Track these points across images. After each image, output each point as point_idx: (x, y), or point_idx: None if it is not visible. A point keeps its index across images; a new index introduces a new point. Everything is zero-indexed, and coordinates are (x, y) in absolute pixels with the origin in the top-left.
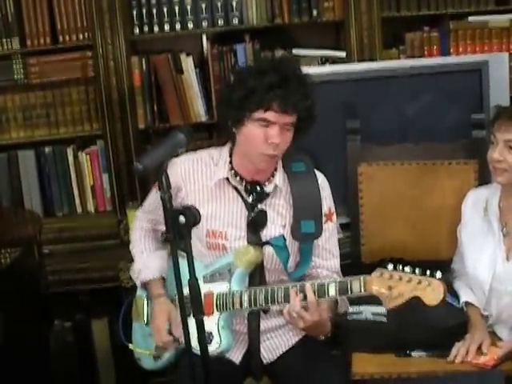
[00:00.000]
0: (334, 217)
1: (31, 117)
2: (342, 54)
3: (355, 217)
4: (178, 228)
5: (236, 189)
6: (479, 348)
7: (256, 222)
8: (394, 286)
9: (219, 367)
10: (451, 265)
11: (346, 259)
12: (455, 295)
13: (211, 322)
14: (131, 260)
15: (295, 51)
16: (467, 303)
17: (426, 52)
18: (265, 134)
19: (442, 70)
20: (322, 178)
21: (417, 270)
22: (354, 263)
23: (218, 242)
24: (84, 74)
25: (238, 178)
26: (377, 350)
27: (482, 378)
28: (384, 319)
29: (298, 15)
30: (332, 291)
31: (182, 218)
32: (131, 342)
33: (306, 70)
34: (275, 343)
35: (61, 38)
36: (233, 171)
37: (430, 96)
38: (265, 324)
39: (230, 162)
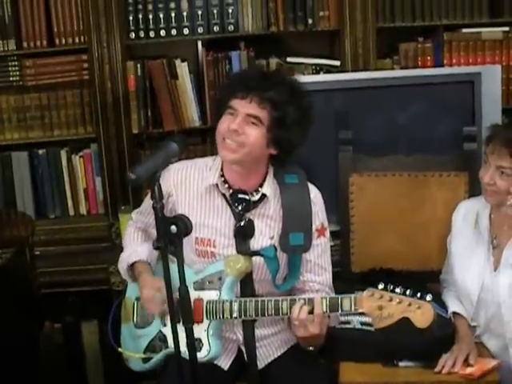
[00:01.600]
0: (327, 232)
1: (25, 118)
2: (337, 63)
3: (345, 226)
4: (170, 237)
5: (224, 197)
6: (466, 359)
7: (243, 232)
8: (384, 307)
9: (207, 373)
10: (440, 275)
11: (335, 267)
12: (443, 306)
13: (201, 329)
14: None
15: (290, 59)
16: (455, 314)
17: (419, 62)
18: (229, 122)
19: (435, 81)
20: (314, 192)
21: (407, 292)
22: (343, 272)
23: (207, 249)
24: (79, 77)
25: (226, 185)
26: (364, 360)
27: None
28: (372, 329)
29: (294, 24)
30: (322, 307)
31: (173, 228)
32: (120, 344)
33: (300, 78)
34: (264, 352)
35: (57, 41)
36: (222, 178)
37: (423, 107)
38: (255, 332)
39: (222, 170)
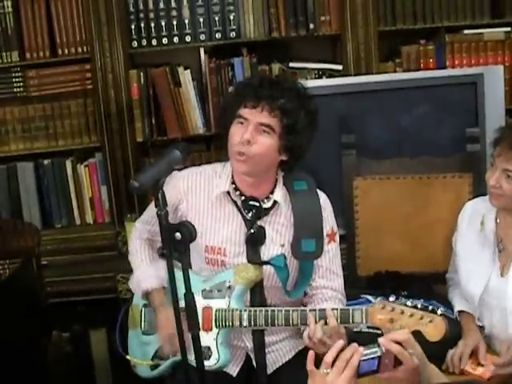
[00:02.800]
0: (337, 237)
1: (30, 129)
2: (339, 68)
3: (351, 230)
4: (174, 244)
5: (236, 204)
6: (475, 355)
7: (254, 239)
8: (395, 320)
9: (216, 380)
10: (446, 274)
11: None
12: (449, 305)
13: (210, 338)
14: (129, 271)
15: (292, 64)
16: (461, 312)
17: (422, 65)
18: (240, 132)
19: (438, 83)
20: (324, 198)
21: (419, 305)
22: (349, 276)
23: (217, 258)
24: (82, 86)
25: (237, 192)
26: None
27: None
28: (380, 331)
29: (295, 29)
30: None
31: (178, 235)
32: (128, 350)
33: (303, 83)
34: (273, 357)
35: (60, 51)
36: (234, 185)
37: (426, 109)
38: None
39: (232, 177)
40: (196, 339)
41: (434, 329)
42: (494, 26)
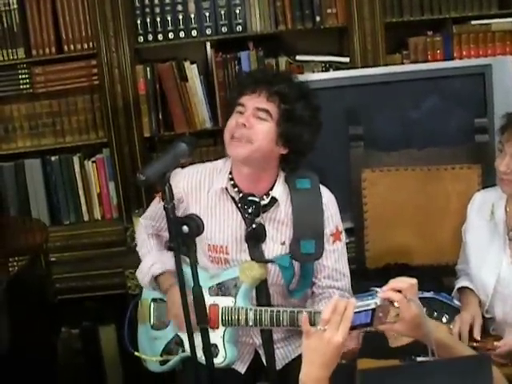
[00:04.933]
0: (343, 235)
1: (37, 126)
2: (346, 60)
3: (359, 222)
4: (182, 238)
5: (234, 201)
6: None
7: (254, 236)
8: None
9: (224, 377)
10: (456, 266)
11: (350, 264)
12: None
13: (217, 336)
14: (138, 266)
15: (299, 57)
16: (461, 289)
17: (429, 56)
18: (237, 118)
19: (446, 75)
20: (327, 196)
21: (424, 310)
22: (358, 269)
23: (220, 256)
24: (89, 82)
25: (235, 189)
26: (381, 357)
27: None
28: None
29: (301, 22)
30: None
31: (185, 228)
32: (137, 346)
33: (310, 76)
34: (282, 353)
35: (66, 48)
36: (232, 182)
37: (434, 100)
38: (273, 336)
39: (231, 173)
40: (205, 332)
41: None
42: (502, 16)
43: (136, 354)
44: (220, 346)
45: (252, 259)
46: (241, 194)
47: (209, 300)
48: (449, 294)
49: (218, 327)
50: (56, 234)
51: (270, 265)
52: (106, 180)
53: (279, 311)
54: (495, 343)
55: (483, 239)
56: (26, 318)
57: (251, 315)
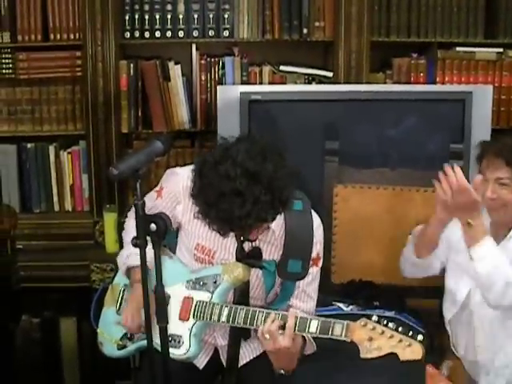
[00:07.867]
0: (320, 262)
1: (16, 112)
2: (329, 74)
3: (327, 236)
4: (150, 235)
5: None
6: None
7: (248, 257)
8: (374, 338)
9: (181, 370)
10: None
11: None
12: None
13: (184, 327)
14: (104, 261)
15: (282, 67)
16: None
17: (412, 78)
18: None
19: (427, 98)
20: (318, 222)
21: (400, 328)
22: (323, 283)
23: (205, 258)
24: (72, 73)
25: None
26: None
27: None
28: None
29: (289, 33)
30: (313, 328)
31: (153, 226)
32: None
33: (292, 87)
34: (241, 352)
35: (52, 36)
36: None
37: (412, 123)
38: None
39: None
40: (164, 332)
41: (411, 354)
42: (487, 45)
43: (98, 330)
44: (185, 338)
45: (239, 261)
46: None
47: (184, 292)
48: (410, 314)
49: (188, 319)
50: (25, 222)
51: (253, 271)
52: (80, 172)
53: (255, 311)
54: None
55: (465, 262)
56: None
57: (225, 312)
